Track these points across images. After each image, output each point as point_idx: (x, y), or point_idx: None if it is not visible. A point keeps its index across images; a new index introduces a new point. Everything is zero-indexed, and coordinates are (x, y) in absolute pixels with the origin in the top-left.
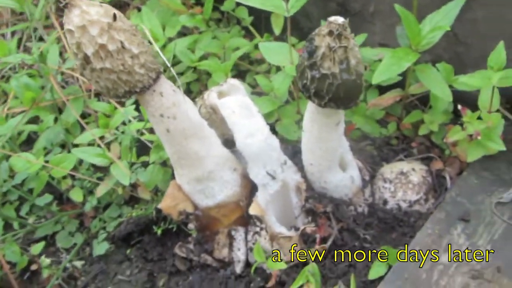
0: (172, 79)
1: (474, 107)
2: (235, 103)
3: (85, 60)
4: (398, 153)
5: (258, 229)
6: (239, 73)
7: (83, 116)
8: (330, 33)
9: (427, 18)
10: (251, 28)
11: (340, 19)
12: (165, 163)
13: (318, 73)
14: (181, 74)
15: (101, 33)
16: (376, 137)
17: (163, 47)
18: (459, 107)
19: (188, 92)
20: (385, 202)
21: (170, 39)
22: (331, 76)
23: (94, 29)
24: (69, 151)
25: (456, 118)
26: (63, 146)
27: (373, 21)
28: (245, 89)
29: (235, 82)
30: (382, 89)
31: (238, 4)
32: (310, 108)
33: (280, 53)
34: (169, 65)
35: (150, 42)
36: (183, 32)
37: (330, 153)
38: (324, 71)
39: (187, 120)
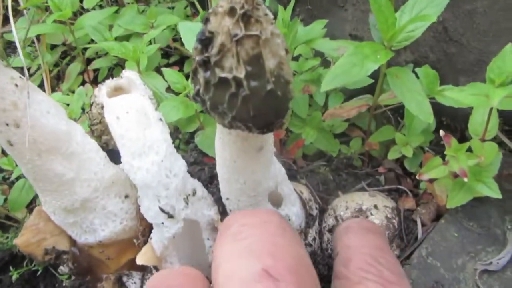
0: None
1: (464, 122)
2: (125, 105)
3: None
4: (360, 179)
5: None
6: (181, 60)
7: None
8: (232, 11)
9: (407, 4)
10: (196, 4)
11: None
12: None
13: (214, 76)
14: (104, 55)
15: None
16: (334, 156)
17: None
18: (441, 133)
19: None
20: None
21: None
22: (234, 83)
23: None
24: None
25: (438, 136)
26: None
27: (345, 5)
28: (159, 85)
29: (132, 75)
30: (349, 93)
31: None
32: (218, 125)
33: None
34: (19, 47)
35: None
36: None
37: (251, 187)
38: (223, 74)
39: (41, 129)
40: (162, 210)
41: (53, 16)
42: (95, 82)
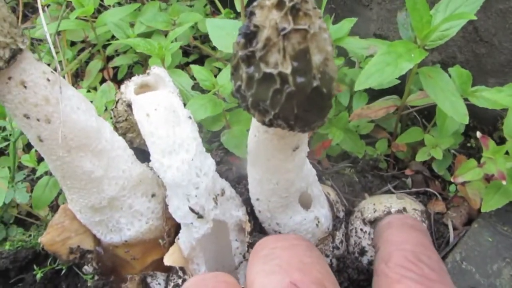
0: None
1: (491, 125)
2: (155, 102)
3: None
4: (386, 181)
5: (180, 281)
6: (200, 58)
7: None
8: (280, 4)
9: (441, 3)
10: (217, 2)
11: None
12: None
13: (258, 72)
14: (124, 53)
15: None
16: (359, 158)
17: (94, 17)
18: (478, 134)
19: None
20: (362, 251)
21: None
22: (279, 79)
23: None
24: None
25: (466, 138)
26: None
27: (370, 4)
28: (185, 83)
29: (161, 72)
30: (374, 94)
31: None
32: (254, 123)
33: (231, 35)
34: (50, 43)
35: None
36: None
37: (284, 187)
38: (268, 69)
39: (71, 125)
40: (192, 210)
41: (76, 12)
42: (114, 80)
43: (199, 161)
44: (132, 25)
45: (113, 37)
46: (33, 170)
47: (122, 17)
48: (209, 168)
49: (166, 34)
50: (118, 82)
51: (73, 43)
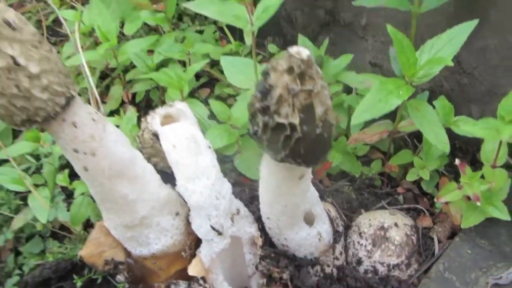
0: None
1: (476, 146)
2: (179, 134)
3: None
4: (380, 198)
5: None
6: (210, 81)
7: None
8: (290, 70)
9: (426, 45)
10: (226, 30)
11: (304, 52)
12: None
13: (272, 121)
14: (141, 80)
15: None
16: (357, 176)
17: (117, 48)
18: (457, 162)
19: (148, 101)
20: (359, 261)
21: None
22: (289, 127)
23: None
24: None
25: (452, 159)
26: None
27: (365, 36)
28: (201, 112)
29: (183, 106)
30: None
31: None
32: (266, 156)
33: (244, 72)
34: (93, 88)
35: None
36: (155, 29)
37: (290, 209)
38: (280, 119)
39: (112, 157)
40: (213, 228)
41: (104, 46)
42: (133, 103)
43: (218, 186)
44: (150, 51)
45: (131, 62)
46: (62, 188)
47: (142, 48)
48: (226, 192)
49: (181, 62)
50: (136, 105)
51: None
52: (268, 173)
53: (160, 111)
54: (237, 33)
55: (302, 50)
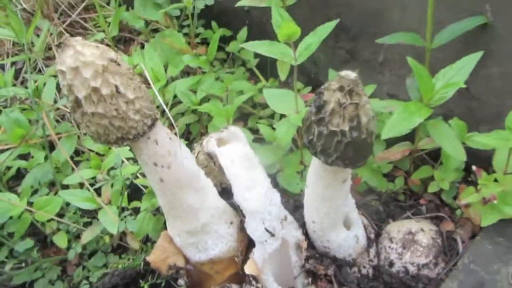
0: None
1: (486, 163)
2: (235, 153)
3: (76, 103)
4: (405, 210)
5: None
6: (242, 116)
7: (77, 153)
8: (341, 88)
9: (440, 73)
10: (256, 71)
11: (352, 75)
12: (157, 211)
13: (326, 129)
14: (181, 114)
15: (95, 76)
16: (383, 191)
17: (164, 87)
18: (474, 168)
19: (188, 133)
20: (391, 263)
21: (173, 79)
22: (340, 134)
23: (88, 71)
24: (57, 191)
25: (467, 174)
26: (53, 184)
27: (382, 71)
28: (246, 136)
29: (236, 130)
30: (390, 141)
31: None
32: (315, 164)
33: (284, 101)
34: (167, 111)
35: (148, 84)
36: (187, 71)
37: (334, 211)
38: (333, 128)
39: (183, 170)
40: (267, 230)
41: (158, 84)
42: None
43: (270, 194)
44: (193, 91)
45: (175, 97)
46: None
47: (187, 86)
48: (277, 199)
49: (220, 98)
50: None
51: None
52: (316, 178)
53: (214, 135)
54: (267, 73)
55: (350, 73)
